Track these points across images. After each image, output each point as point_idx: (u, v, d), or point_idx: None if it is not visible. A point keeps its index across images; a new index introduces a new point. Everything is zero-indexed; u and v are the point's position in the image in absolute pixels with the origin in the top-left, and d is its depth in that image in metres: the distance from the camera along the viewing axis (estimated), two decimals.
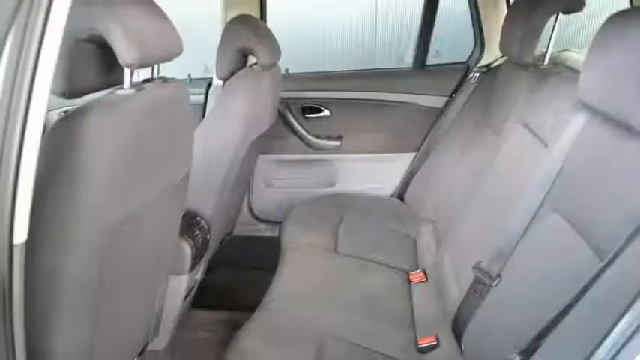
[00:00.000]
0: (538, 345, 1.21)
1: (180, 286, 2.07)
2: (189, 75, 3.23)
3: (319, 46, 6.13)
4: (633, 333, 0.92)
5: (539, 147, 1.67)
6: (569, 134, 1.52)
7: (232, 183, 2.37)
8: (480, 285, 1.69)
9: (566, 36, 2.88)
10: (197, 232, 2.11)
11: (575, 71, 1.93)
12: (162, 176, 1.53)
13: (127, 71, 1.31)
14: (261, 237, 3.31)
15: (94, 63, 1.32)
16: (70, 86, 1.24)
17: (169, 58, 1.44)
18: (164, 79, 1.52)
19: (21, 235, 0.94)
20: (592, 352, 0.91)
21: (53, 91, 1.03)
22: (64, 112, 2.92)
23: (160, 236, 1.69)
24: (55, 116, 2.95)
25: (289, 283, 2.23)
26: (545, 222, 1.51)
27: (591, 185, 1.36)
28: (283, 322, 1.95)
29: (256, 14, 2.94)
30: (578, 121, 1.51)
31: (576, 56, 2.42)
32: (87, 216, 1.18)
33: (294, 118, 3.19)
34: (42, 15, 0.88)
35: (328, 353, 1.80)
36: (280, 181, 3.32)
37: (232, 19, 2.46)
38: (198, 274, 2.30)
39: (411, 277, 2.35)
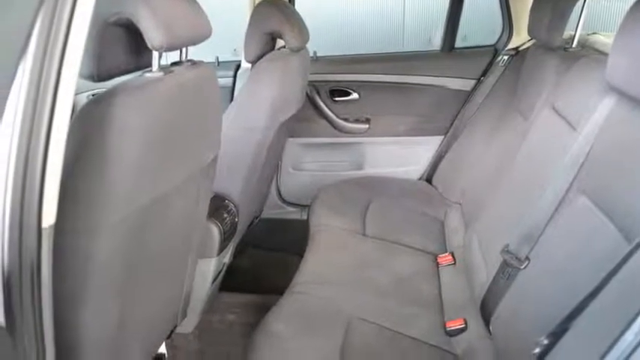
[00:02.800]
0: (566, 328, 1.20)
1: (208, 269, 2.08)
2: (218, 58, 3.23)
3: (347, 29, 6.10)
4: None
5: (568, 130, 1.66)
6: (598, 117, 1.50)
7: (260, 166, 2.37)
8: (509, 268, 1.68)
9: None
10: (225, 215, 2.13)
11: (604, 54, 1.91)
12: (191, 159, 1.54)
13: (155, 54, 1.32)
14: (289, 220, 3.33)
15: (122, 46, 1.32)
16: (98, 69, 1.24)
17: (198, 41, 1.44)
18: (192, 62, 1.52)
19: (49, 218, 0.95)
20: (620, 336, 0.90)
21: (81, 75, 1.04)
22: (93, 95, 2.95)
23: (188, 219, 1.70)
24: (83, 99, 2.97)
25: (317, 265, 2.23)
26: (574, 205, 1.50)
27: (620, 168, 1.35)
28: (311, 305, 1.96)
29: None
30: (607, 104, 1.49)
31: (604, 39, 2.40)
32: (115, 198, 1.19)
33: (322, 101, 3.19)
34: None
35: (356, 336, 1.80)
36: (309, 164, 3.34)
37: (261, 2, 2.46)
38: (227, 257, 2.31)
39: (439, 260, 2.34)
